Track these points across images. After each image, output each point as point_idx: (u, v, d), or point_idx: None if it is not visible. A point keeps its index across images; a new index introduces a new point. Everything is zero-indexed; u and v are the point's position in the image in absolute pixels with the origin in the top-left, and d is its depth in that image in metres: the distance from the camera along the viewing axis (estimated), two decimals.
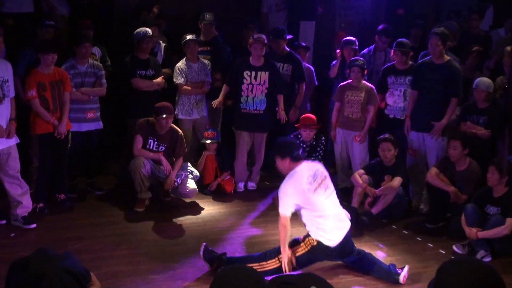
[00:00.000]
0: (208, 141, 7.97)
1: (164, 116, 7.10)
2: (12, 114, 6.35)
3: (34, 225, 6.54)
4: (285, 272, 5.16)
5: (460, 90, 7.25)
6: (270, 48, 8.39)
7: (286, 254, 5.28)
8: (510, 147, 6.73)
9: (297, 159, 5.50)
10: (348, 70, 7.95)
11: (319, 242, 5.36)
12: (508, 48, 7.80)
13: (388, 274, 5.52)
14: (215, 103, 8.05)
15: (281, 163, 5.55)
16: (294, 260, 5.31)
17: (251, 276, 2.32)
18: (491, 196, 6.36)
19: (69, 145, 7.28)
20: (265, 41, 7.89)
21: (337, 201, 5.64)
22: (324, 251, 5.40)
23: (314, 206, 5.37)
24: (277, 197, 5.50)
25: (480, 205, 6.39)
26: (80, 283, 2.04)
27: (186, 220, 7.04)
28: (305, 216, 5.45)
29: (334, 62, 8.93)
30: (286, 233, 5.34)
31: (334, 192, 5.63)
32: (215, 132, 8.05)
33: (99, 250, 6.02)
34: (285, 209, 5.33)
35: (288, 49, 8.51)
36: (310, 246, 5.38)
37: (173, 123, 7.41)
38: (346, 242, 5.50)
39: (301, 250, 5.41)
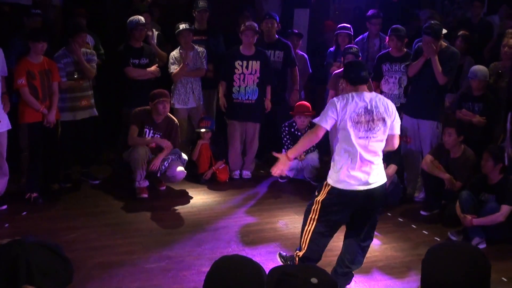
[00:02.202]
0: (203, 130, 7.94)
1: (162, 99, 7.08)
2: (3, 88, 6.50)
3: (4, 207, 6.68)
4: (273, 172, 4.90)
5: (450, 71, 7.15)
6: (259, 36, 8.34)
7: (287, 158, 4.84)
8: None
9: (354, 82, 4.77)
10: (342, 58, 7.92)
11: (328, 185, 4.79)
12: (506, 37, 7.75)
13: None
14: (222, 105, 8.09)
15: (344, 85, 5.01)
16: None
17: (249, 266, 2.30)
18: (486, 183, 6.37)
19: (59, 134, 7.24)
20: (257, 29, 7.85)
21: (375, 151, 4.72)
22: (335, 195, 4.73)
23: (344, 137, 4.69)
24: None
25: (475, 192, 6.39)
26: (57, 252, 2.01)
27: (181, 209, 7.03)
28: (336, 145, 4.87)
29: (331, 48, 8.91)
30: (311, 141, 4.95)
31: (380, 142, 4.72)
32: (209, 121, 8.02)
33: (93, 240, 6.01)
34: (322, 120, 4.69)
35: (277, 36, 8.50)
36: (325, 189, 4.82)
37: (169, 112, 7.39)
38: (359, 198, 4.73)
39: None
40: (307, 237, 4.85)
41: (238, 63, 7.87)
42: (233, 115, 8.08)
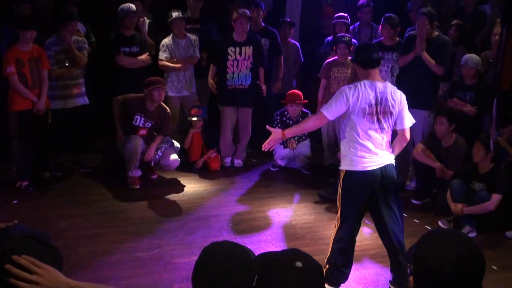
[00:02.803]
0: (194, 119, 7.92)
1: (158, 86, 7.07)
2: None
3: None
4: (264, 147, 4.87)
5: (444, 60, 7.20)
6: None
7: (282, 135, 4.76)
8: (497, 122, 6.74)
9: (366, 65, 4.64)
10: (335, 47, 7.91)
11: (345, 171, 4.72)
12: (496, 26, 7.76)
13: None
14: (211, 89, 8.08)
15: (357, 69, 4.87)
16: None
17: (237, 251, 2.31)
18: (477, 172, 6.38)
19: (50, 122, 7.20)
20: (249, 16, 7.84)
21: (383, 141, 4.66)
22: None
23: (353, 126, 4.61)
24: None
25: (466, 181, 6.41)
26: (43, 243, 2.00)
27: (172, 197, 7.03)
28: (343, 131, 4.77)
29: (329, 38, 8.89)
30: (312, 127, 4.97)
31: (388, 134, 4.67)
32: (201, 110, 8.00)
33: (85, 228, 6.00)
34: (328, 109, 4.59)
35: (263, 24, 8.47)
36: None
37: None
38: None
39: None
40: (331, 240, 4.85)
41: (231, 50, 7.86)
42: (226, 101, 8.07)
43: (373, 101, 4.53)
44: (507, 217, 6.30)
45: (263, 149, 4.93)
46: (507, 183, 6.18)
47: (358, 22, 8.85)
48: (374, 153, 4.61)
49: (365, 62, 4.65)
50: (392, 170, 4.74)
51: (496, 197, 6.11)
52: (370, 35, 8.71)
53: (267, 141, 4.78)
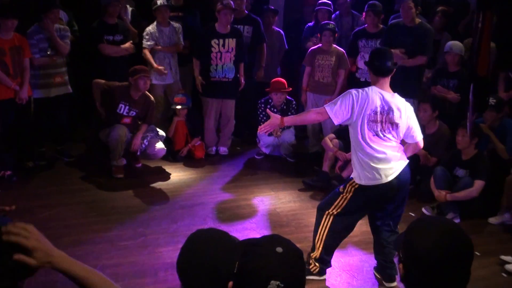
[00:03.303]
0: (178, 107, 7.89)
1: (143, 75, 7.04)
2: None
3: None
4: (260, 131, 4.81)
5: (427, 49, 7.25)
6: None
7: (281, 122, 4.63)
8: (474, 108, 6.77)
9: (377, 72, 4.60)
10: (319, 34, 7.91)
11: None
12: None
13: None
14: (198, 85, 8.03)
15: (368, 72, 4.84)
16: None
17: (223, 238, 2.35)
18: (460, 159, 6.42)
19: (32, 111, 7.15)
20: (233, 7, 7.79)
21: (387, 150, 4.58)
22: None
23: (358, 133, 4.56)
24: None
25: (449, 168, 6.45)
26: None
27: (157, 186, 7.02)
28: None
29: (310, 23, 8.90)
30: (312, 120, 5.08)
31: (392, 143, 4.60)
32: (185, 98, 7.97)
33: (69, 218, 5.97)
34: (332, 109, 4.49)
35: (246, 12, 8.46)
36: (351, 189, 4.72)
37: None
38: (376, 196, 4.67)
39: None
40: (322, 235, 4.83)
41: (215, 42, 7.82)
42: (210, 93, 8.03)
43: (378, 109, 4.47)
44: (490, 203, 6.36)
45: (258, 131, 4.92)
46: (490, 170, 6.23)
47: (339, 11, 8.85)
48: (385, 162, 4.54)
49: (377, 70, 4.60)
50: (406, 177, 4.68)
51: (479, 184, 6.15)
52: (352, 24, 8.72)
53: (264, 124, 4.72)
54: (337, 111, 4.48)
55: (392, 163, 4.56)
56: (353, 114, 4.48)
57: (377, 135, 4.51)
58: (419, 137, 4.73)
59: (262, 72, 8.59)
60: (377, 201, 4.69)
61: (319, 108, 4.83)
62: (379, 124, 4.49)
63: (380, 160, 4.53)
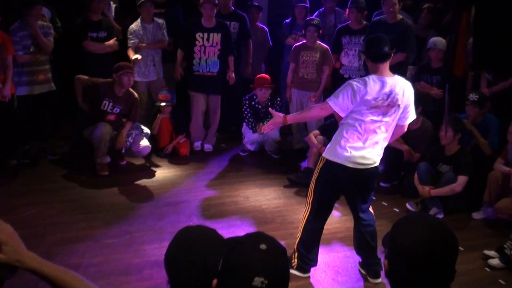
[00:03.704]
0: (163, 104, 7.88)
1: (127, 71, 7.01)
2: None
3: None
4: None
5: (408, 46, 7.28)
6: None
7: (283, 121, 4.65)
8: (450, 108, 6.83)
9: (375, 59, 4.54)
10: (304, 30, 7.92)
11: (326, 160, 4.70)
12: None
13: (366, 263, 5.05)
14: (177, 75, 8.03)
15: (366, 62, 4.79)
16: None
17: (210, 234, 2.38)
18: (444, 155, 6.46)
19: (16, 109, 7.10)
20: (216, 1, 7.78)
21: (381, 137, 4.60)
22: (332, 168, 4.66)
23: (357, 116, 4.52)
24: None
25: (432, 164, 6.49)
26: None
27: (141, 183, 7.00)
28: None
29: (287, 20, 8.92)
30: (316, 116, 5.02)
31: (390, 128, 4.61)
32: (169, 95, 7.95)
33: (53, 216, 5.94)
34: (334, 101, 4.48)
35: (232, 8, 8.45)
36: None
37: None
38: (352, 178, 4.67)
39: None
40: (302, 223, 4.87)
41: (199, 35, 7.81)
42: (195, 87, 8.03)
43: (380, 96, 4.42)
44: (473, 198, 6.42)
45: (262, 131, 4.90)
46: (473, 165, 6.28)
47: (323, 8, 8.86)
48: (364, 150, 4.53)
49: (375, 56, 4.54)
50: (374, 172, 4.69)
51: (462, 179, 6.20)
52: (335, 21, 8.74)
53: (267, 124, 4.71)
54: (340, 104, 4.46)
55: (369, 154, 4.56)
56: (354, 104, 4.45)
57: (376, 121, 4.48)
58: (411, 118, 4.68)
59: (249, 69, 8.60)
60: (341, 182, 4.67)
61: (321, 103, 4.84)
62: (380, 109, 4.46)
63: (361, 147, 4.53)
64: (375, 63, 4.54)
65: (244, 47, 8.59)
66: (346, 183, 4.69)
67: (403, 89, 4.53)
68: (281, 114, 4.68)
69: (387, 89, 4.45)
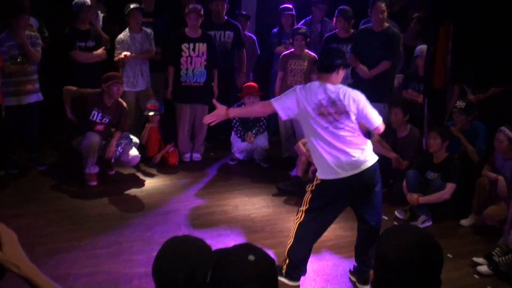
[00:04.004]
0: (151, 113, 7.88)
1: (116, 81, 7.01)
2: None
3: None
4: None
5: (393, 54, 7.30)
6: (208, 17, 8.29)
7: (225, 113, 4.71)
8: (429, 122, 6.88)
9: (320, 69, 4.67)
10: (291, 39, 7.95)
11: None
12: None
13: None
14: (168, 93, 8.04)
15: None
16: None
17: (198, 244, 2.39)
18: (432, 162, 6.48)
19: (3, 119, 7.07)
20: (201, 12, 7.79)
21: (345, 143, 4.53)
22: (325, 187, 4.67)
23: (311, 129, 4.59)
24: None
25: (421, 171, 6.51)
26: None
27: (130, 193, 6.98)
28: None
29: (275, 29, 8.95)
30: (255, 113, 5.41)
31: (348, 134, 4.53)
32: (157, 104, 7.95)
33: (42, 226, 5.92)
34: (277, 100, 4.64)
35: (226, 17, 8.46)
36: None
37: None
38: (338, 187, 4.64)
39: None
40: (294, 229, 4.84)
41: (185, 46, 7.82)
42: (181, 98, 8.01)
43: (323, 102, 4.48)
44: (462, 205, 6.44)
45: (204, 122, 4.91)
46: (461, 172, 6.30)
47: (310, 16, 8.89)
48: (345, 157, 4.50)
49: (319, 67, 4.70)
50: (370, 175, 4.61)
51: (450, 186, 6.22)
52: (321, 30, 8.78)
53: (210, 115, 4.80)
54: (283, 106, 4.58)
55: (351, 158, 4.52)
56: (299, 109, 4.54)
57: (329, 128, 4.49)
58: (377, 121, 4.65)
59: (244, 78, 8.61)
60: (340, 196, 4.68)
61: (265, 101, 4.90)
62: (329, 117, 4.48)
63: (335, 155, 4.51)
64: (320, 72, 4.67)
65: (238, 55, 8.59)
66: (349, 192, 4.67)
67: (349, 97, 4.52)
68: (224, 107, 4.76)
69: (330, 95, 4.49)
